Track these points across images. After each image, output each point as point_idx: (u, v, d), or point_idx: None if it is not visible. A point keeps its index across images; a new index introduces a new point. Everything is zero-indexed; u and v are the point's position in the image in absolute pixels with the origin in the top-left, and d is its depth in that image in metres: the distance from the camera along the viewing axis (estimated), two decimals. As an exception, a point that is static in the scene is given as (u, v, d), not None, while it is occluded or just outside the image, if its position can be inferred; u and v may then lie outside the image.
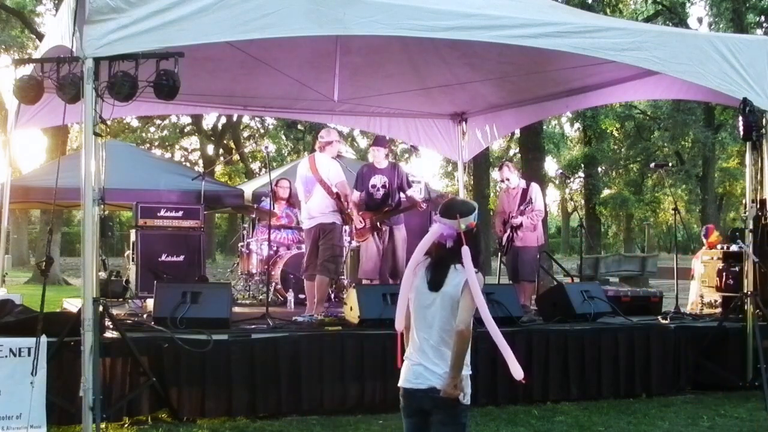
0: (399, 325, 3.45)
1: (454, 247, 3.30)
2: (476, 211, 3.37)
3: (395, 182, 8.09)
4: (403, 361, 3.45)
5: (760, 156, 7.26)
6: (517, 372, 3.26)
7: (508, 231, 8.75)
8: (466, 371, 3.31)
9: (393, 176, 8.10)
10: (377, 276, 8.00)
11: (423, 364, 3.32)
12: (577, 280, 9.85)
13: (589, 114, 24.26)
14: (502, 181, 9.10)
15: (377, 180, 8.09)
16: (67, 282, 20.30)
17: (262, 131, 34.89)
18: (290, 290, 8.92)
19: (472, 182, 22.50)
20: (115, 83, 5.06)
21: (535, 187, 8.88)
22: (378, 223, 8.00)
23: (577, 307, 7.22)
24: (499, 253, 9.18)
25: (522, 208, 8.68)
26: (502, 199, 9.31)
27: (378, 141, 8.42)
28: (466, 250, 3.24)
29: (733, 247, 8.33)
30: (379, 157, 8.14)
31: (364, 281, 8.06)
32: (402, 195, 8.13)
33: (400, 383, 3.42)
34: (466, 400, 3.31)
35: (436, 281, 3.31)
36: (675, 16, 25.41)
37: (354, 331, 6.55)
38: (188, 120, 34.19)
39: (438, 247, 3.35)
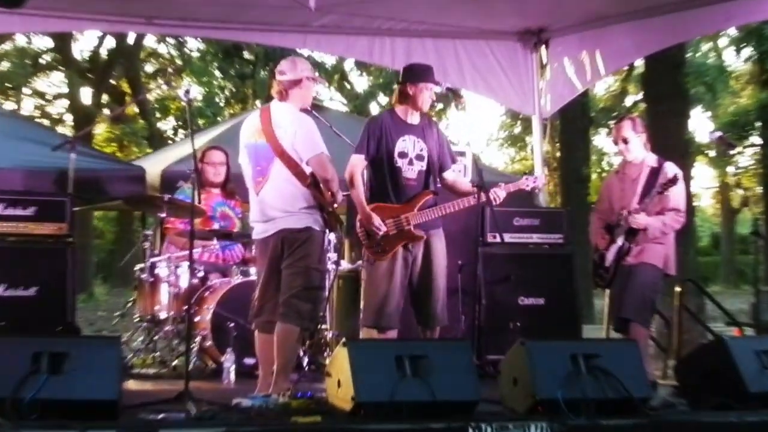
0: None
1: None
2: None
3: (435, 151, 5.24)
4: None
5: None
6: None
7: (621, 240, 5.68)
8: None
9: (433, 142, 5.24)
10: (398, 324, 5.18)
11: None
12: (749, 331, 7.17)
13: (767, 34, 17.01)
14: (616, 143, 5.94)
15: (408, 144, 5.18)
16: None
17: (179, 63, 23.98)
18: (229, 350, 6.17)
19: (558, 154, 15.91)
20: None
21: (672, 168, 5.79)
22: (413, 228, 5.16)
23: (751, 382, 4.92)
24: (598, 281, 6.14)
25: (648, 199, 5.62)
26: (610, 184, 6.22)
27: (427, 74, 5.34)
28: None
29: None
30: (421, 104, 5.19)
31: (363, 332, 5.24)
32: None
33: None
34: None
35: None
36: None
37: (345, 425, 4.35)
38: (48, 44, 22.27)
39: None
